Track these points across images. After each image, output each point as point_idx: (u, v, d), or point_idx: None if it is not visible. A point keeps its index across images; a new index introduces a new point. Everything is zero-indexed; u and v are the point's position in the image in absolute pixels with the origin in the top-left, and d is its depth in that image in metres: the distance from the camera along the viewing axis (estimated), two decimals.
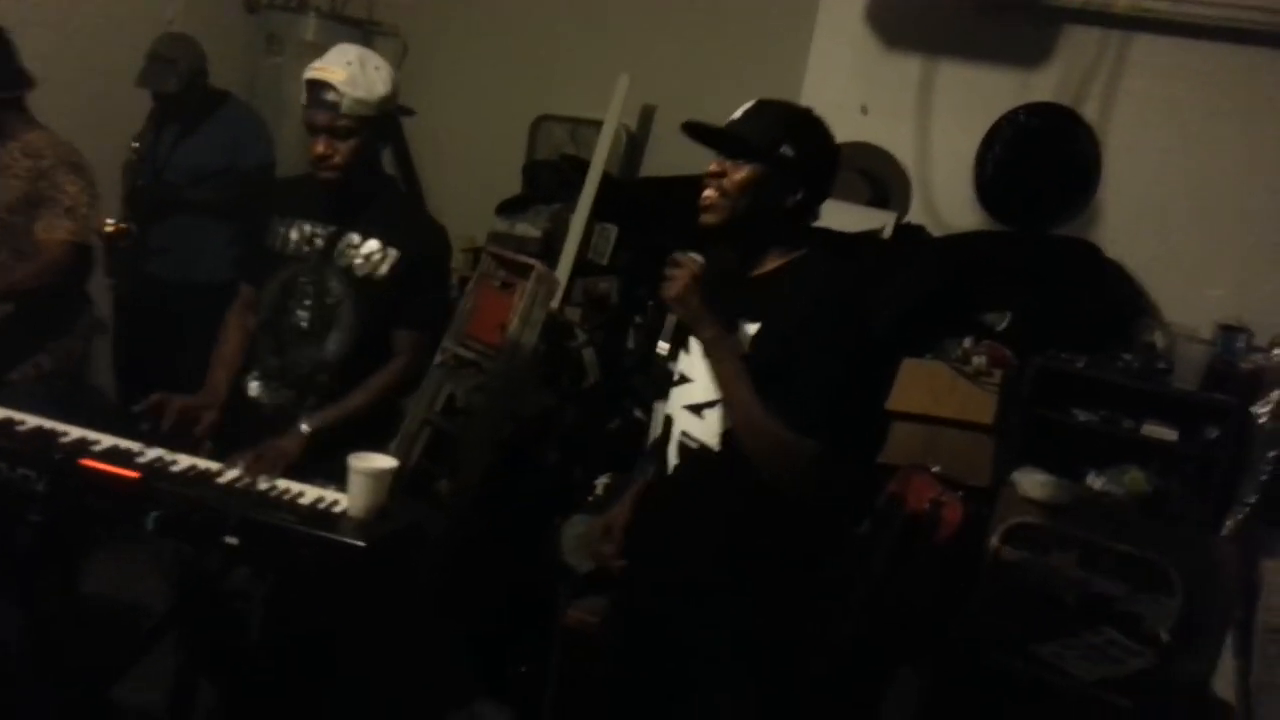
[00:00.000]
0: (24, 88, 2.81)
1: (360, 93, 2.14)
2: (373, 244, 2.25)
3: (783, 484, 1.76)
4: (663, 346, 1.99)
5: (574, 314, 3.69)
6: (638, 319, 3.67)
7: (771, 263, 1.85)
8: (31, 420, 2.00)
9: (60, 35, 3.69)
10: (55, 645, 2.07)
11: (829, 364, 1.75)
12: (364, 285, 2.24)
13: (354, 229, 2.25)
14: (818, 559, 1.93)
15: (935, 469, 2.79)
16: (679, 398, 1.90)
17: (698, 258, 1.79)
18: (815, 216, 1.89)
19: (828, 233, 2.68)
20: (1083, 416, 3.14)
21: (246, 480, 1.97)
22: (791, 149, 1.79)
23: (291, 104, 4.61)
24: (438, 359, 3.38)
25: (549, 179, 4.19)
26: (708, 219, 1.82)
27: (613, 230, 3.87)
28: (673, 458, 1.91)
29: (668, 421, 1.92)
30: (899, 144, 3.81)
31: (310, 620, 2.14)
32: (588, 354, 3.46)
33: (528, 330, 3.30)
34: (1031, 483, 2.82)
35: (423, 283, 2.30)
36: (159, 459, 1.97)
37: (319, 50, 2.25)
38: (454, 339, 3.48)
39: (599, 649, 2.22)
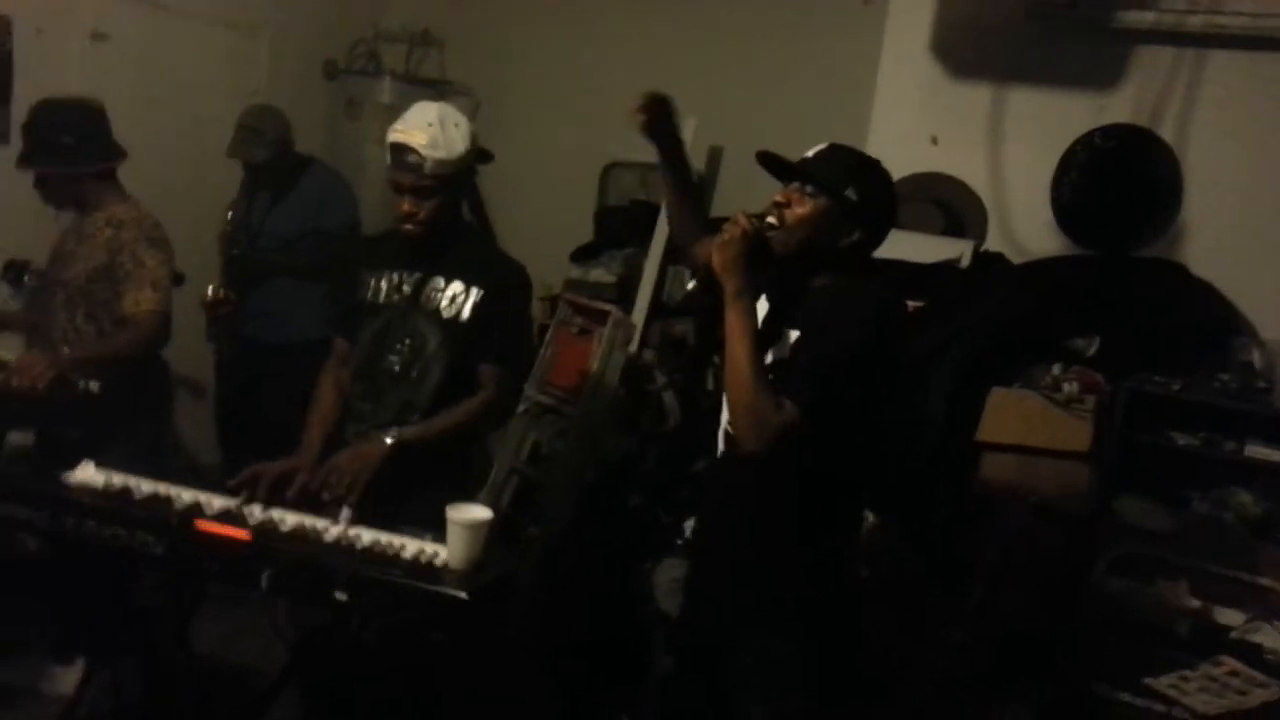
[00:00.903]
0: (115, 160, 2.92)
1: (441, 153, 2.22)
2: (456, 285, 2.33)
3: (747, 443, 1.82)
4: None
5: (652, 357, 3.71)
6: (715, 359, 3.67)
7: (820, 282, 1.94)
8: (146, 485, 2.08)
9: (151, 109, 3.88)
10: (175, 705, 2.14)
11: (820, 344, 1.84)
12: (451, 326, 2.32)
13: (438, 273, 2.34)
14: (828, 568, 1.98)
15: (1032, 499, 2.73)
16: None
17: (750, 219, 1.86)
18: (868, 260, 1.98)
19: (894, 265, 2.68)
20: (1182, 440, 3.05)
21: (338, 530, 2.01)
22: (856, 193, 1.88)
23: (372, 165, 4.81)
24: (521, 407, 3.43)
25: (621, 224, 4.25)
26: (774, 250, 1.88)
27: (686, 272, 3.89)
28: (720, 445, 2.02)
29: (718, 412, 2.03)
30: (972, 172, 3.79)
31: (413, 670, 2.18)
32: (667, 396, 3.48)
33: (607, 375, 3.33)
34: (1135, 510, 2.75)
35: (504, 317, 2.36)
36: (268, 518, 2.03)
37: (396, 112, 2.34)
38: (536, 386, 3.53)
39: None
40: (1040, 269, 3.49)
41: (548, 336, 3.66)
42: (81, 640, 2.74)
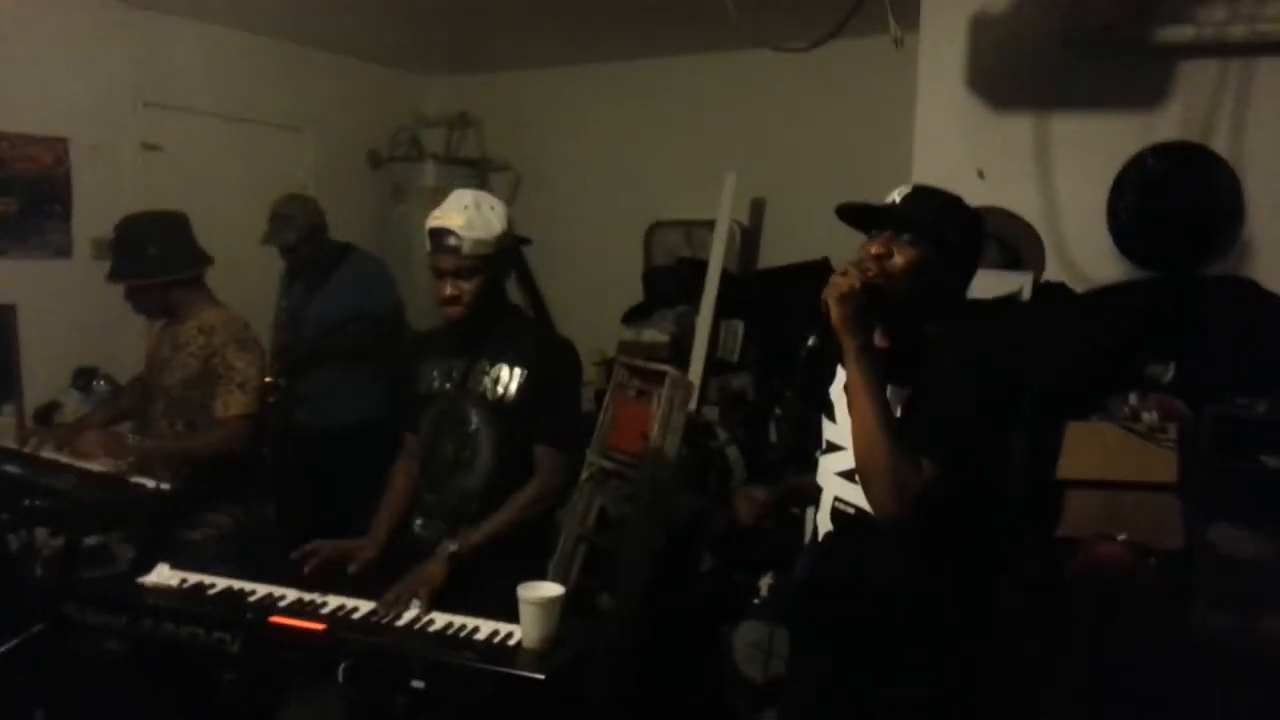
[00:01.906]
0: (201, 267, 2.98)
1: (478, 233, 2.25)
2: (501, 368, 2.34)
3: (886, 509, 1.71)
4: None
5: (712, 413, 3.68)
6: (777, 410, 3.63)
7: (933, 331, 1.85)
8: (220, 582, 2.09)
9: (204, 211, 3.97)
10: None
11: (950, 396, 1.74)
12: (496, 409, 2.32)
13: (484, 357, 2.35)
14: (983, 621, 1.88)
15: (1121, 537, 2.62)
16: (830, 465, 1.90)
17: (859, 273, 1.78)
18: (963, 298, 1.91)
19: (974, 302, 2.62)
20: (1273, 463, 2.90)
21: (410, 615, 2.00)
22: (956, 233, 1.81)
23: (419, 249, 4.86)
24: (584, 474, 3.41)
25: (669, 283, 4.26)
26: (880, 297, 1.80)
27: (739, 326, 3.88)
28: (825, 524, 1.90)
29: (818, 490, 1.93)
30: (1023, 202, 3.72)
31: None
32: (731, 452, 3.44)
33: (669, 436, 3.30)
34: (1233, 540, 2.61)
35: (553, 398, 2.35)
36: (340, 607, 2.02)
37: (441, 194, 2.38)
38: (597, 452, 3.51)
39: None
40: (1105, 296, 3.39)
41: (605, 401, 3.65)
42: None
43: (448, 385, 2.37)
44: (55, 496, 2.52)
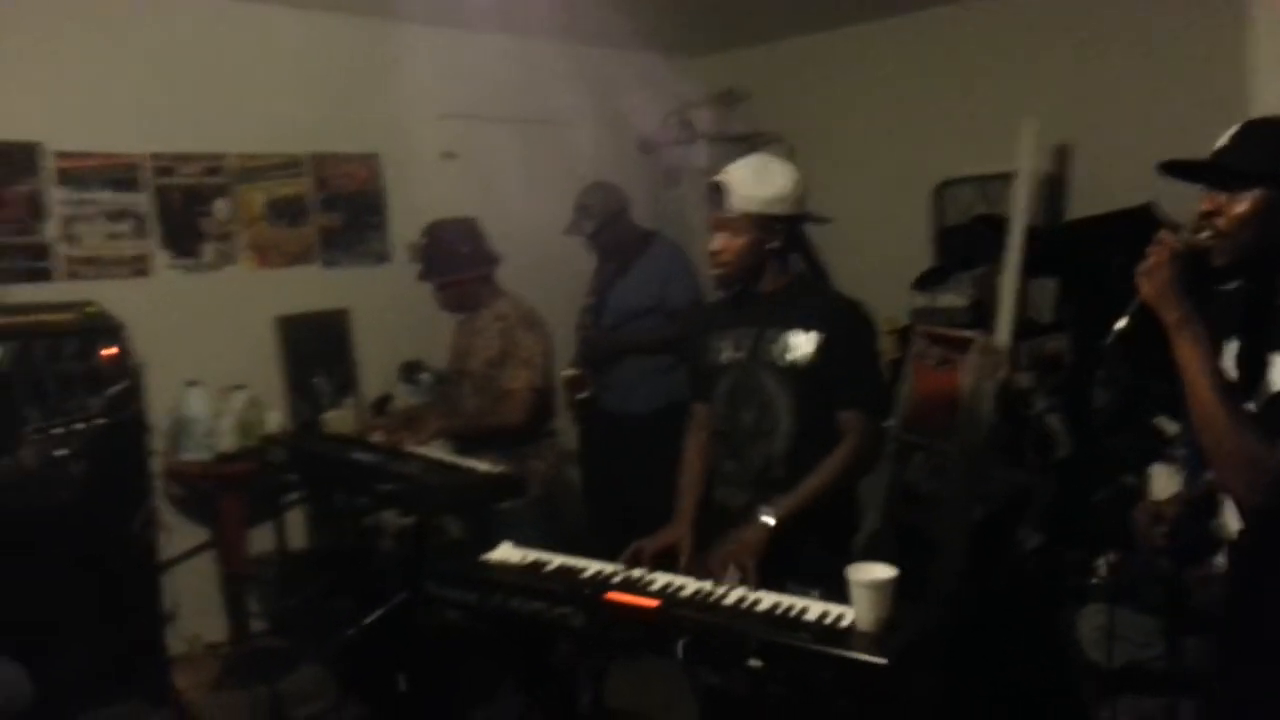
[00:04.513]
0: (496, 264, 3.33)
1: (750, 191, 2.22)
2: (793, 334, 2.27)
3: (1239, 495, 1.58)
4: None
5: (1026, 380, 3.42)
6: (1100, 373, 3.31)
7: None
8: (555, 560, 2.18)
9: (498, 211, 4.20)
10: None
11: None
12: (792, 375, 2.26)
13: (773, 325, 2.30)
14: None
15: None
16: None
17: (1178, 236, 1.62)
18: None
19: None
20: None
21: (737, 589, 1.99)
22: None
23: (695, 231, 4.93)
24: (886, 449, 3.28)
25: (964, 244, 4.01)
26: (1217, 261, 1.63)
27: (1050, 284, 3.57)
28: (1233, 523, 1.69)
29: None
30: None
31: None
32: (1051, 421, 3.18)
33: (980, 405, 3.11)
34: None
35: (853, 361, 2.27)
36: (669, 584, 2.05)
37: (712, 175, 2.35)
38: (898, 425, 3.37)
39: None
40: None
41: (903, 372, 3.50)
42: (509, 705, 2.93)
43: (739, 354, 2.35)
44: (405, 481, 2.74)
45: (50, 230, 3.79)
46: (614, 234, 3.93)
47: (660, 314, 3.88)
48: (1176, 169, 1.66)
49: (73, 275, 3.81)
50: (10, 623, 2.77)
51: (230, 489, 3.84)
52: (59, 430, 2.26)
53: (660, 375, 3.90)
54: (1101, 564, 2.71)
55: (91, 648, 3.32)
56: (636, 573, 2.10)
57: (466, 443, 3.12)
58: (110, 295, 3.69)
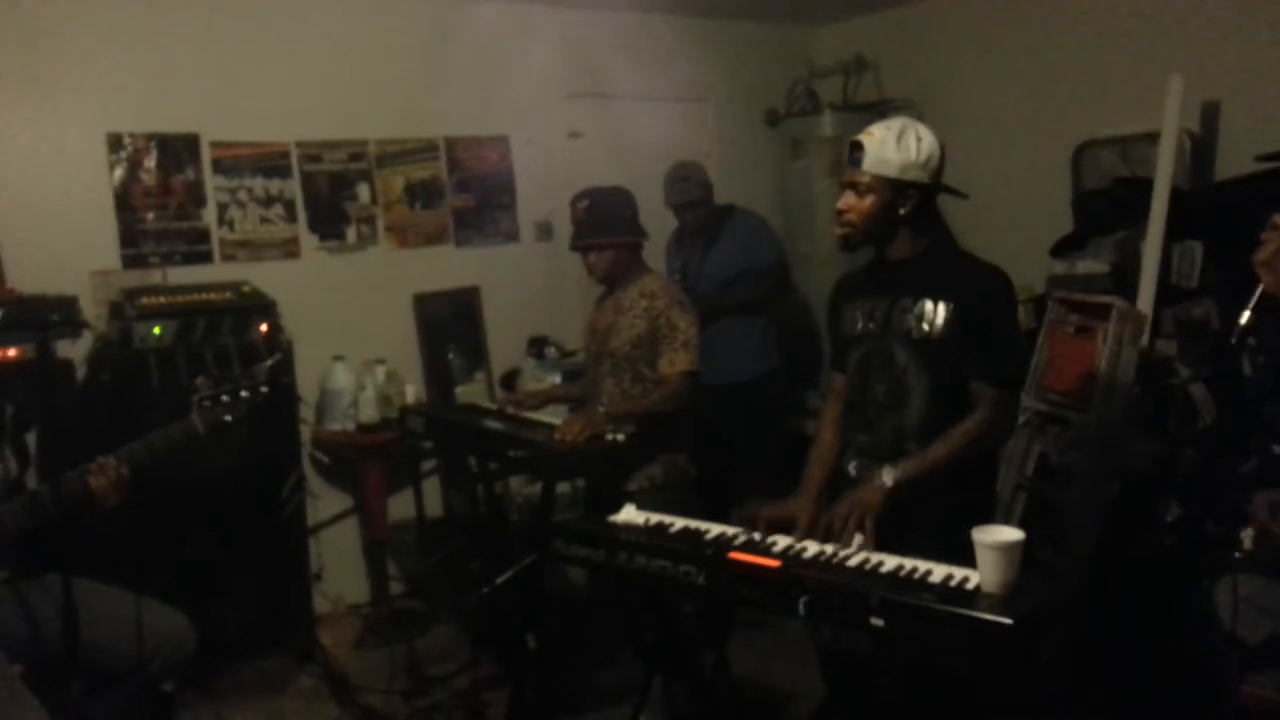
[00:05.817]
0: (644, 237, 3.20)
1: (883, 153, 2.19)
2: (925, 303, 2.23)
3: None
4: None
5: (1169, 348, 3.26)
6: (1250, 340, 3.13)
7: None
8: (679, 521, 2.23)
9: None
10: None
11: None
12: (923, 345, 2.23)
13: (906, 294, 2.26)
14: None
15: None
16: None
17: None
18: None
19: None
20: None
21: (857, 549, 1.99)
22: None
23: (821, 200, 4.88)
24: (1020, 419, 3.19)
25: (1104, 208, 3.85)
26: None
27: (1196, 248, 3.40)
28: None
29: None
30: None
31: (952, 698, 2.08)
32: (1196, 390, 3.03)
33: (1119, 374, 2.98)
34: None
35: (986, 330, 2.21)
36: (790, 546, 2.07)
37: (839, 144, 2.33)
38: (1033, 395, 3.27)
39: None
40: None
41: (1039, 340, 3.39)
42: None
43: (871, 325, 2.32)
44: (534, 448, 2.83)
45: (208, 215, 4.06)
46: (708, 206, 4.17)
47: (749, 278, 4.16)
48: None
49: (228, 258, 4.09)
50: (179, 577, 3.00)
51: (371, 457, 4.03)
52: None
53: (756, 341, 4.14)
54: (1245, 537, 2.58)
55: (246, 605, 3.57)
56: (758, 535, 2.12)
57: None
58: (263, 276, 3.95)
